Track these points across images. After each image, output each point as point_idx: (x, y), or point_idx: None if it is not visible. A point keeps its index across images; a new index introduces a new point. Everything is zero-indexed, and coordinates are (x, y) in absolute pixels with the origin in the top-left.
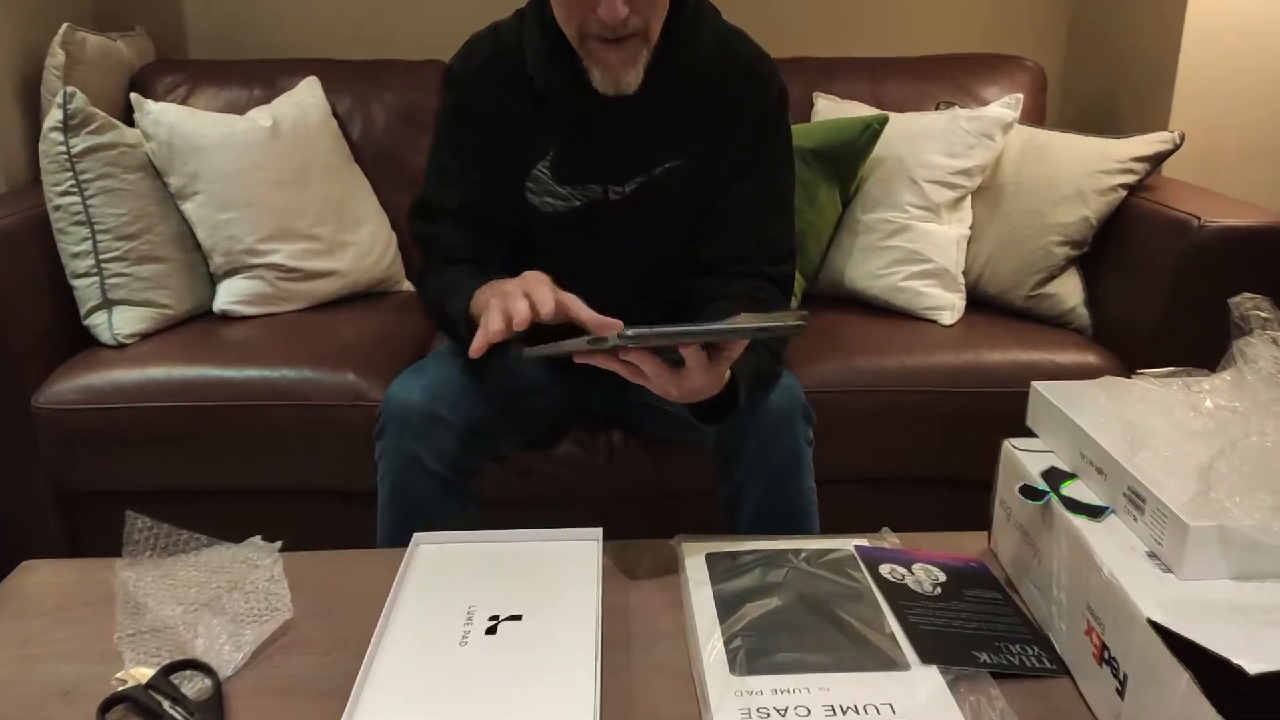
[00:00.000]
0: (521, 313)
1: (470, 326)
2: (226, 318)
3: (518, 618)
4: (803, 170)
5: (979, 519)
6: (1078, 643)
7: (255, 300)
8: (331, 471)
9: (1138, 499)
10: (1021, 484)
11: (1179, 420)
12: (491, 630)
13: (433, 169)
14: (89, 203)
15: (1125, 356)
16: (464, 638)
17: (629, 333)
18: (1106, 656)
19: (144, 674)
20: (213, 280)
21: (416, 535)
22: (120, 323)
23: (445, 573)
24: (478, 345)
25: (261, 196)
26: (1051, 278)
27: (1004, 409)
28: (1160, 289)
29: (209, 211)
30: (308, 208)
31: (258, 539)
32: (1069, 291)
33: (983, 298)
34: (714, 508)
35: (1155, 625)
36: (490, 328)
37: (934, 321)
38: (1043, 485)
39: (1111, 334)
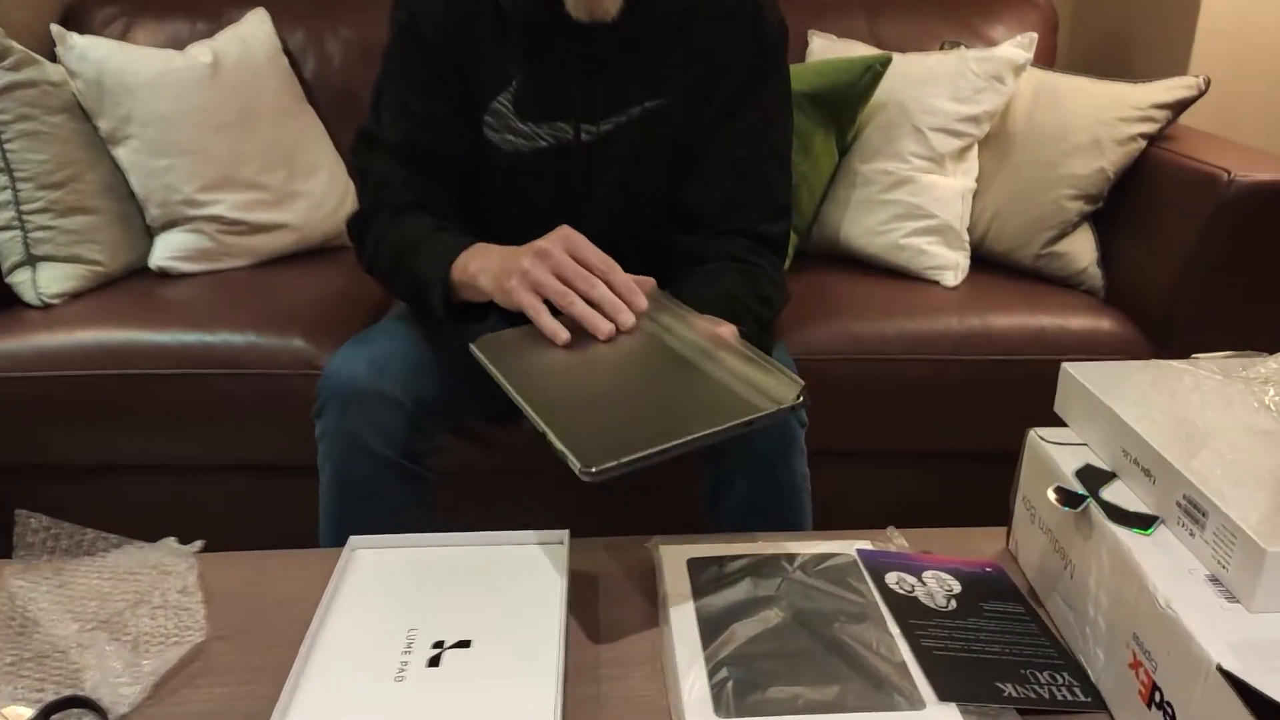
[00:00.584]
0: (606, 329)
1: (447, 294)
2: (164, 275)
3: (466, 644)
4: (797, 116)
5: (982, 498)
6: (1119, 675)
7: (195, 256)
8: (276, 445)
9: (1197, 511)
10: (1056, 486)
11: (1241, 416)
12: (434, 661)
13: (376, 96)
14: (7, 148)
15: (1140, 321)
16: (401, 670)
17: (592, 469)
18: (1159, 700)
19: (21, 715)
20: (149, 233)
21: (352, 539)
22: (46, 281)
23: (384, 585)
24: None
25: (201, 141)
26: (1063, 235)
27: (1011, 378)
28: (1182, 249)
29: (143, 158)
30: (254, 154)
31: (172, 540)
32: (1081, 250)
33: (988, 256)
34: (693, 486)
35: (1227, 675)
36: (600, 327)
37: (936, 283)
38: (1079, 488)
39: (1125, 297)
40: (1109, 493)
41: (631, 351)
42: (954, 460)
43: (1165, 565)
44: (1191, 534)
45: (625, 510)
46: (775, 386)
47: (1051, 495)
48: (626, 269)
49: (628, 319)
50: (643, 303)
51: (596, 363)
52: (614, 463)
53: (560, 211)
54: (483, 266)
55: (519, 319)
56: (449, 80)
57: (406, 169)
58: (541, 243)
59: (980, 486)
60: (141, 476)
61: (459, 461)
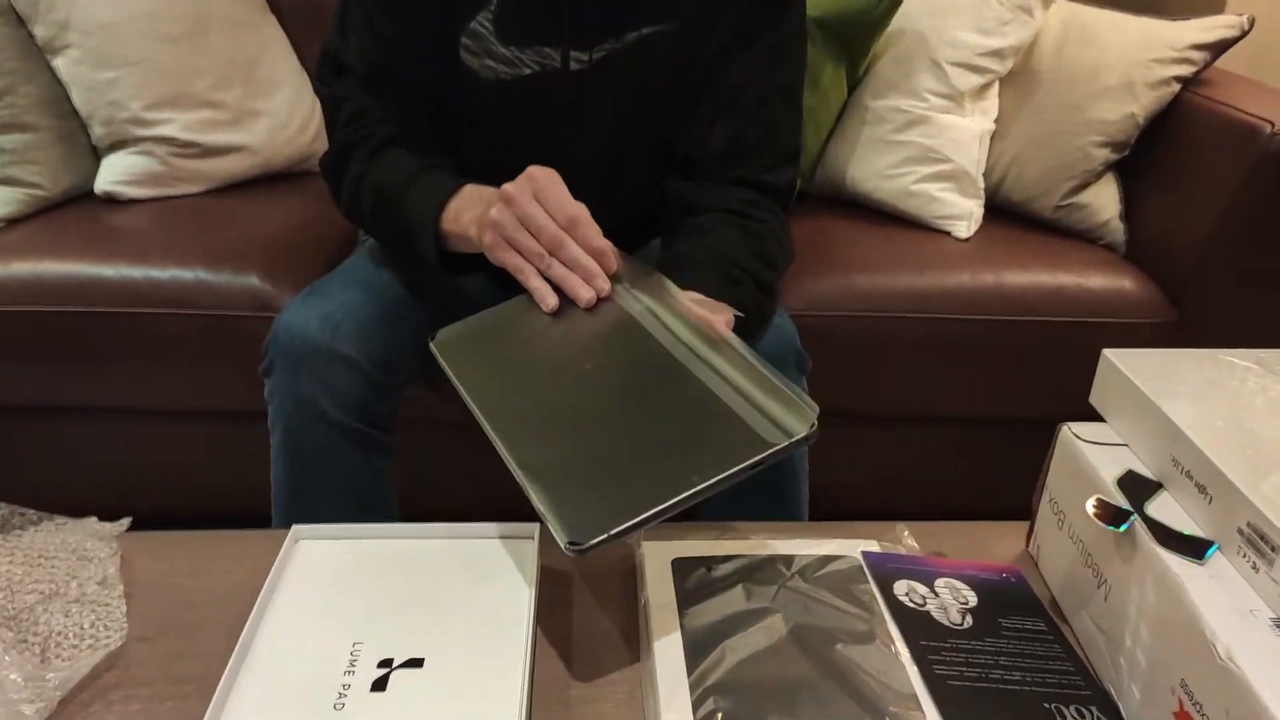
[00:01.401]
0: (586, 297)
1: (438, 240)
2: (111, 201)
3: (418, 663)
4: None
5: (993, 468)
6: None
7: (144, 180)
8: (228, 392)
9: (1264, 543)
10: (1097, 498)
11: None
12: (380, 684)
13: (341, 13)
14: None
15: (1164, 282)
16: (341, 695)
17: (580, 544)
18: None
19: None
20: (95, 155)
21: (295, 528)
22: None
23: (327, 585)
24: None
25: (149, 53)
26: (1086, 185)
27: (1026, 339)
28: (1212, 204)
29: (84, 70)
30: (208, 68)
31: (94, 520)
32: (1104, 202)
33: (1004, 205)
34: None
35: None
36: (580, 294)
37: (947, 233)
38: (1121, 499)
39: (1148, 254)
40: (1154, 507)
41: (619, 355)
42: (962, 427)
43: (1223, 604)
44: (1255, 568)
45: None
46: (784, 413)
47: (1090, 509)
48: (616, 215)
49: (603, 284)
50: (612, 264)
51: (579, 369)
52: (603, 536)
53: (544, 149)
54: (475, 216)
55: (508, 275)
56: None
57: (375, 98)
58: (509, 187)
59: (992, 456)
60: (80, 421)
61: (424, 411)
